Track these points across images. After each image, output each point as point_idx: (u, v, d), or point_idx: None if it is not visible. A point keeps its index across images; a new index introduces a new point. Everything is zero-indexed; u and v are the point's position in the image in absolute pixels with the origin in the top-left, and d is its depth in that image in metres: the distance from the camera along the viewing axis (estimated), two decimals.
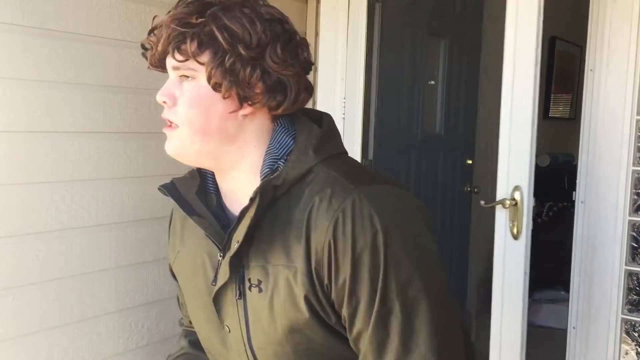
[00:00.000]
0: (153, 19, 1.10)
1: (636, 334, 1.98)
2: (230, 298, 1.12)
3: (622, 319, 1.98)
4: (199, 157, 1.10)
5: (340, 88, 2.52)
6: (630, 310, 1.98)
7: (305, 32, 2.58)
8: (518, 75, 2.01)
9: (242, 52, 1.01)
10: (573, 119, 4.90)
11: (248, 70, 1.02)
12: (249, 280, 1.09)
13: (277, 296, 1.06)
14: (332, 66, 2.53)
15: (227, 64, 1.02)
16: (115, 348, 1.89)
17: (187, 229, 1.22)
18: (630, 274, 1.98)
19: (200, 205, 1.14)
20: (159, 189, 1.17)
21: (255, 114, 1.07)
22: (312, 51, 2.56)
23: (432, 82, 3.07)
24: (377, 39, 2.57)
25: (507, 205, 1.99)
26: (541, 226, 4.38)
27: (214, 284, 1.13)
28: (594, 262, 2.02)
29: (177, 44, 1.03)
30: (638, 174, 1.95)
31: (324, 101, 2.55)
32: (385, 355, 1.02)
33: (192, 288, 1.21)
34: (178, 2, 1.06)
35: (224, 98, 1.04)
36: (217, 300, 1.14)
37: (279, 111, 1.07)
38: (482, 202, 2.14)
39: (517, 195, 1.98)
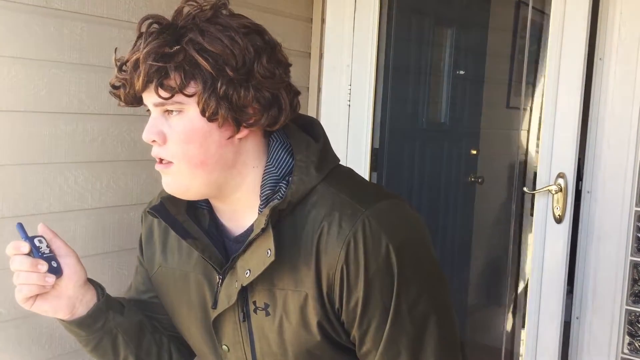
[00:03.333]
0: (115, 51, 1.03)
1: None
2: (231, 319, 1.10)
3: (627, 310, 1.97)
4: (202, 190, 1.04)
5: (346, 75, 2.50)
6: (634, 302, 1.97)
7: (312, 19, 2.56)
8: (565, 55, 2.01)
9: (231, 74, 0.94)
10: None
11: (242, 92, 0.96)
12: (254, 303, 1.06)
13: (287, 321, 1.04)
14: (339, 52, 2.51)
15: (221, 91, 0.95)
16: None
17: (172, 244, 1.18)
18: (635, 265, 1.96)
19: (192, 225, 1.10)
20: (148, 212, 1.12)
21: (250, 133, 1.03)
22: (317, 37, 2.55)
23: (462, 72, 3.08)
24: (384, 25, 2.55)
25: (554, 192, 2.05)
26: None
27: (214, 307, 1.10)
28: (599, 252, 2.00)
29: (159, 80, 0.95)
30: None
31: (329, 88, 2.53)
32: None
33: (181, 306, 1.17)
34: (146, 33, 0.98)
35: (220, 127, 0.98)
36: (216, 321, 1.11)
37: (277, 127, 1.02)
38: (525, 189, 2.23)
39: (561, 182, 2.03)
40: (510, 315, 2.92)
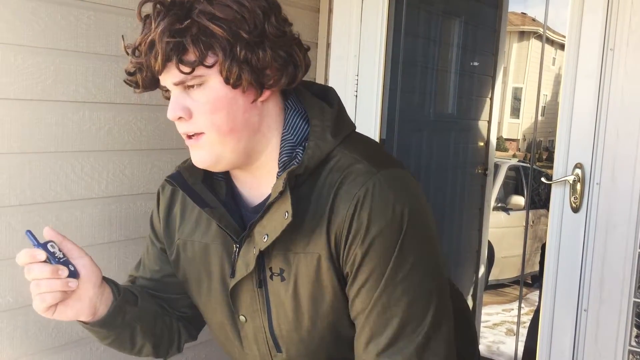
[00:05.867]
0: (122, 38, 1.04)
1: None
2: (248, 288, 1.10)
3: (634, 302, 1.96)
4: (233, 158, 1.04)
5: (353, 65, 2.49)
6: None
7: (319, 9, 2.55)
8: (583, 46, 2.00)
9: (247, 37, 0.95)
10: None
11: (260, 54, 0.97)
12: (270, 269, 1.06)
13: (301, 284, 1.04)
14: (346, 43, 2.49)
15: (241, 56, 0.95)
16: None
17: (190, 217, 1.18)
18: None
19: (209, 195, 1.10)
20: (166, 180, 1.12)
21: (272, 95, 1.04)
22: (325, 27, 2.54)
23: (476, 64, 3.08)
24: (392, 15, 2.53)
25: (572, 182, 2.05)
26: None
27: (232, 276, 1.10)
28: (607, 244, 1.99)
29: (178, 56, 0.95)
30: None
31: (335, 78, 2.52)
32: (385, 332, 1.02)
33: (202, 279, 1.17)
34: (154, 14, 0.97)
35: (244, 92, 0.99)
36: (234, 290, 1.11)
37: (294, 84, 1.04)
38: (544, 179, 2.23)
39: (579, 172, 2.02)
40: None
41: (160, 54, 0.95)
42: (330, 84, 2.53)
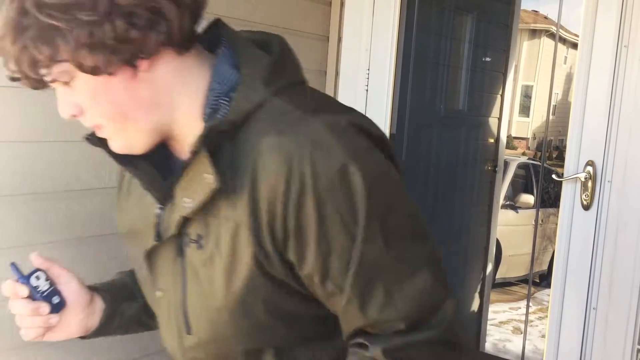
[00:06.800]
0: None
1: None
2: (167, 256, 0.96)
3: None
4: (147, 137, 0.90)
5: (365, 59, 2.48)
6: None
7: (331, 2, 2.54)
8: (597, 43, 2.00)
9: (87, 18, 0.78)
10: None
11: (108, 29, 0.78)
12: (188, 234, 0.91)
13: (218, 254, 0.88)
14: (357, 36, 2.49)
15: (86, 42, 0.78)
16: None
17: (133, 183, 1.04)
18: None
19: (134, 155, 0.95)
20: (85, 138, 0.97)
21: (156, 59, 0.85)
22: (336, 21, 2.53)
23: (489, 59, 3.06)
24: (404, 9, 2.53)
25: (583, 179, 2.05)
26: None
27: (157, 240, 0.96)
28: (618, 242, 1.98)
29: (30, 60, 0.80)
30: None
31: (347, 72, 2.52)
32: (369, 308, 0.86)
33: (137, 248, 1.04)
34: None
35: (111, 74, 0.82)
36: (151, 258, 0.98)
37: (176, 41, 0.84)
38: (554, 176, 2.22)
39: (590, 170, 2.02)
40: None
41: (15, 62, 0.82)
42: (341, 78, 2.53)
